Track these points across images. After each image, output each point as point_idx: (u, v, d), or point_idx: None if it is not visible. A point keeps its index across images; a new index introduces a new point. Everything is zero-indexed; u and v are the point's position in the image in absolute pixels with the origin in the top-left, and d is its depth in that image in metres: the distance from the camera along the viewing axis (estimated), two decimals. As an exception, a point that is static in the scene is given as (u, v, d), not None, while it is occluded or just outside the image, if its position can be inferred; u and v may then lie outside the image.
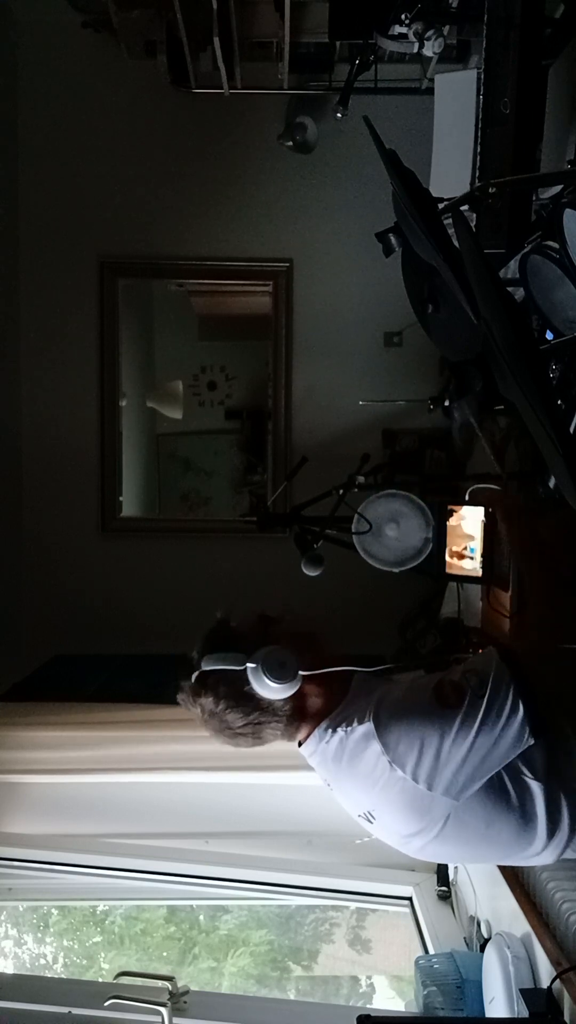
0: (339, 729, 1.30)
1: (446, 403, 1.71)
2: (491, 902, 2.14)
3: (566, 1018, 1.62)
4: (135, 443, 5.03)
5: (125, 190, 4.13)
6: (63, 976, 2.96)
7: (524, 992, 1.74)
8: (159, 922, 3.05)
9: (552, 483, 2.00)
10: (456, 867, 2.46)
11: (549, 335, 1.96)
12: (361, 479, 2.49)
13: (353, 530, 2.38)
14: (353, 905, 2.76)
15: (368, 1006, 2.73)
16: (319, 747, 1.32)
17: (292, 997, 2.88)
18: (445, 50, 3.13)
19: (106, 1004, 2.03)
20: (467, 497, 2.47)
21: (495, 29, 2.26)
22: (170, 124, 4.10)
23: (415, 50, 3.03)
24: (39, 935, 3.07)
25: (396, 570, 2.44)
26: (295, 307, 4.21)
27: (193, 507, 5.78)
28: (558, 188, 2.15)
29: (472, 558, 2.68)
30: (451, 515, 2.50)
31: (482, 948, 2.03)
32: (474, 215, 2.23)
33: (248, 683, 1.28)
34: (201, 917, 3.05)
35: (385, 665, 1.42)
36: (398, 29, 2.92)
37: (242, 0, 3.35)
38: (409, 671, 1.49)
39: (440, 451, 4.00)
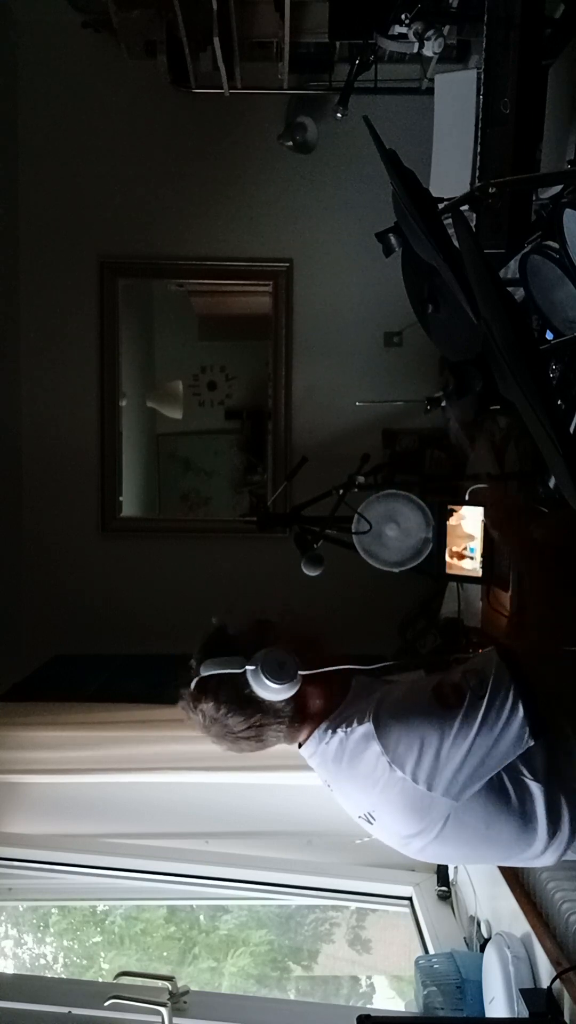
0: (339, 730, 1.30)
1: (443, 404, 1.71)
2: (491, 902, 2.14)
3: (566, 1018, 1.62)
4: (135, 443, 5.03)
5: (125, 190, 4.13)
6: (63, 976, 2.96)
7: (524, 992, 1.74)
8: (159, 922, 3.05)
9: (552, 483, 2.00)
10: (456, 867, 2.46)
11: (549, 335, 1.96)
12: (361, 479, 2.49)
13: (353, 530, 2.38)
14: (353, 905, 2.76)
15: (368, 1006, 2.73)
16: (319, 748, 1.32)
17: (292, 997, 2.88)
18: (445, 50, 3.13)
19: (106, 1004, 2.03)
20: (467, 497, 2.47)
21: (495, 29, 2.26)
22: (170, 124, 4.10)
23: (415, 50, 3.03)
24: (39, 935, 3.06)
25: (396, 570, 2.44)
26: (295, 307, 4.21)
27: (193, 507, 5.78)
28: (558, 188, 2.15)
29: (472, 558, 2.68)
30: (451, 515, 2.50)
31: (482, 948, 2.03)
32: (474, 215, 2.23)
33: (248, 686, 1.28)
34: (201, 917, 3.05)
35: (385, 663, 1.42)
36: (398, 29, 2.92)
37: (242, 0, 3.35)
38: (409, 671, 1.49)
39: (440, 451, 4.00)
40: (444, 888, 2.51)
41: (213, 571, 4.15)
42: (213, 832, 2.68)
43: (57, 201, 4.14)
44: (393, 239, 1.83)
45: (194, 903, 2.95)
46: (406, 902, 2.59)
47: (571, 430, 1.83)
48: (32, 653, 3.87)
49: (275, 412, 4.27)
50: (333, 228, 4.13)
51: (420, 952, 2.37)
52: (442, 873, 2.52)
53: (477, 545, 2.52)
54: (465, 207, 1.93)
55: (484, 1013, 1.93)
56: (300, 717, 1.33)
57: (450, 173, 2.93)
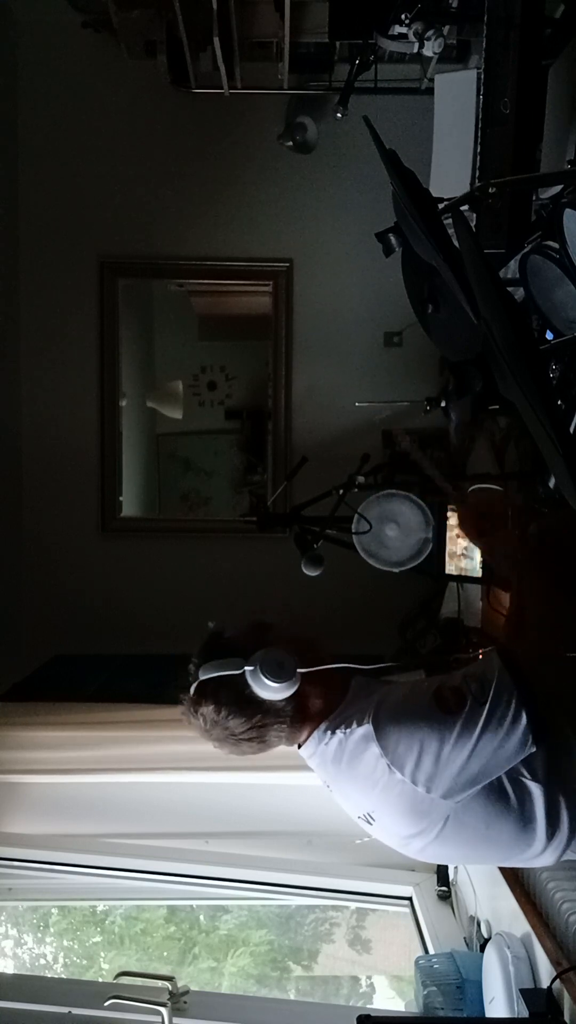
0: (338, 731, 1.30)
1: (442, 404, 1.71)
2: (491, 902, 2.14)
3: (566, 1018, 1.62)
4: (135, 443, 5.03)
5: (125, 190, 4.13)
6: (63, 976, 2.96)
7: (524, 992, 1.74)
8: (159, 922, 3.05)
9: (552, 483, 2.00)
10: (456, 867, 2.46)
11: (549, 335, 1.95)
12: (361, 479, 2.49)
13: (353, 530, 2.38)
14: (353, 905, 2.76)
15: (368, 1006, 2.73)
16: (318, 749, 1.32)
17: (292, 997, 2.88)
18: (445, 50, 3.13)
19: (106, 1004, 2.03)
20: (467, 497, 2.46)
21: (495, 29, 2.26)
22: (170, 124, 4.10)
23: (415, 50, 3.02)
24: (39, 935, 3.07)
25: (396, 570, 2.44)
26: (295, 307, 4.21)
27: (193, 507, 5.78)
28: (558, 188, 2.14)
29: (472, 558, 2.68)
30: (451, 515, 2.50)
31: (482, 948, 2.03)
32: (474, 215, 2.23)
33: (248, 687, 1.28)
34: (201, 917, 3.05)
35: (384, 664, 1.42)
36: (398, 29, 2.92)
37: (242, 0, 3.35)
38: (408, 671, 1.49)
39: (440, 451, 3.99)
40: (444, 888, 2.51)
41: (213, 571, 4.15)
42: (213, 832, 2.68)
43: (57, 201, 4.14)
44: (393, 239, 1.82)
45: (194, 903, 2.95)
46: (406, 902, 2.59)
47: (571, 430, 1.83)
48: (32, 653, 3.87)
49: (275, 412, 4.27)
50: (333, 228, 4.13)
51: (420, 952, 2.37)
52: (442, 873, 2.52)
53: (477, 545, 2.52)
54: (465, 207, 1.93)
55: (484, 1013, 1.93)
56: (300, 717, 1.33)
57: (450, 173, 2.93)
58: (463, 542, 2.81)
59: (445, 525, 2.50)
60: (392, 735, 1.23)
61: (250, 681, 1.27)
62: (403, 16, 2.87)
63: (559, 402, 1.88)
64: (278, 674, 1.27)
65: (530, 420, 1.35)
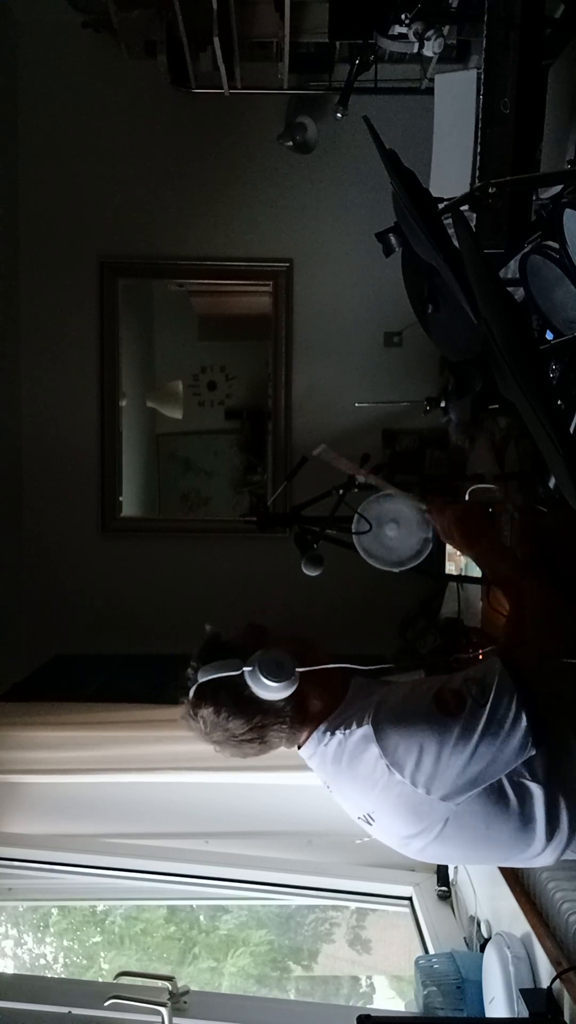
0: (337, 732, 1.30)
1: (442, 404, 1.71)
2: (491, 902, 2.14)
3: (566, 1018, 1.62)
4: (135, 443, 5.03)
5: (125, 190, 4.13)
6: (63, 976, 2.96)
7: (524, 992, 1.74)
8: (159, 922, 3.06)
9: (552, 483, 2.00)
10: (456, 867, 2.46)
11: (549, 335, 1.95)
12: (361, 479, 2.49)
13: (353, 530, 2.38)
14: (353, 905, 2.76)
15: (368, 1006, 2.73)
16: (318, 749, 1.32)
17: (292, 997, 2.88)
18: (445, 50, 3.13)
19: (106, 1004, 2.03)
20: (467, 497, 2.46)
21: (495, 29, 2.26)
22: (170, 124, 4.10)
23: (415, 50, 3.02)
24: (39, 935, 3.07)
25: (396, 570, 2.43)
26: (295, 307, 4.21)
27: (193, 507, 5.78)
28: (558, 188, 2.14)
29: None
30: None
31: (482, 948, 2.03)
32: (474, 215, 2.23)
33: (247, 688, 1.28)
34: (201, 917, 3.05)
35: (383, 664, 1.42)
36: (398, 29, 2.92)
37: (242, 0, 3.35)
38: (407, 671, 1.49)
39: (440, 451, 4.00)
40: (444, 888, 2.51)
41: (213, 571, 4.15)
42: (213, 832, 2.68)
43: (57, 201, 4.13)
44: (393, 239, 1.82)
45: (194, 903, 2.95)
46: (406, 902, 2.59)
47: (571, 430, 1.83)
48: (32, 653, 3.87)
49: (275, 412, 4.27)
50: (333, 228, 4.13)
51: (420, 952, 2.37)
52: (442, 873, 2.52)
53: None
54: (465, 207, 1.93)
55: (484, 1013, 1.93)
56: (300, 717, 1.33)
57: (450, 173, 2.93)
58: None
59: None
60: (392, 736, 1.23)
61: (249, 682, 1.27)
62: (403, 16, 2.87)
63: (559, 402, 1.88)
64: (277, 674, 1.27)
65: (530, 420, 1.35)
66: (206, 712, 1.29)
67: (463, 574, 2.91)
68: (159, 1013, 2.00)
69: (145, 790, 2.70)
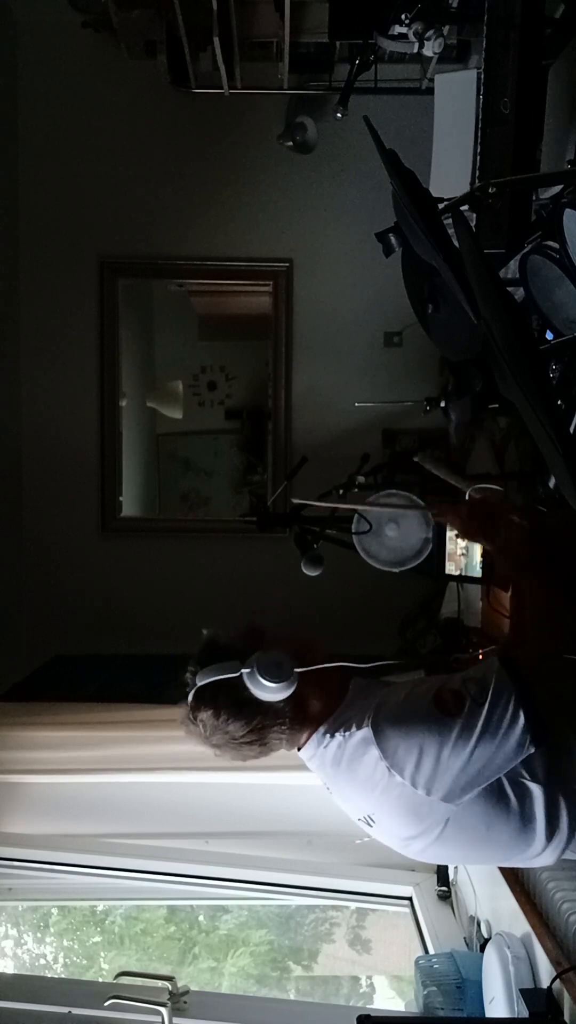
0: (337, 734, 1.29)
1: (442, 404, 1.71)
2: (491, 902, 2.14)
3: (566, 1018, 1.62)
4: (135, 443, 5.03)
5: (125, 190, 4.13)
6: (63, 976, 2.96)
7: (524, 992, 1.74)
8: (159, 922, 3.06)
9: (552, 483, 2.00)
10: (456, 867, 2.46)
11: (549, 335, 1.96)
12: (361, 479, 2.49)
13: (353, 530, 2.38)
14: (353, 905, 2.76)
15: (368, 1006, 2.73)
16: (318, 751, 1.32)
17: (292, 997, 2.88)
18: (445, 50, 3.12)
19: (106, 1004, 2.03)
20: (467, 497, 2.46)
21: (495, 29, 2.26)
22: (170, 124, 4.10)
23: (415, 50, 3.02)
24: (39, 935, 3.07)
25: (396, 570, 2.44)
26: (295, 307, 4.21)
27: (193, 507, 5.78)
28: (558, 188, 2.14)
29: (472, 558, 2.68)
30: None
31: (482, 948, 2.03)
32: (474, 215, 2.23)
33: (246, 690, 1.28)
34: (201, 917, 3.05)
35: (382, 662, 1.42)
36: (398, 29, 2.92)
37: (242, 0, 3.35)
38: (406, 670, 1.49)
39: (440, 451, 3.99)
40: (444, 888, 2.51)
41: (213, 571, 4.15)
42: (213, 832, 2.68)
43: (57, 201, 4.13)
44: (393, 239, 1.82)
45: (194, 903, 2.95)
46: (406, 902, 2.59)
47: (571, 430, 1.83)
48: (32, 653, 3.87)
49: (275, 412, 4.27)
50: (333, 228, 4.13)
51: (420, 952, 2.37)
52: (442, 873, 2.52)
53: (476, 545, 2.52)
54: (465, 207, 1.93)
55: (484, 1013, 1.93)
56: (300, 719, 1.33)
57: (450, 173, 2.93)
58: (463, 542, 2.81)
59: (445, 525, 2.50)
60: (392, 738, 1.23)
61: (248, 683, 1.27)
62: (403, 16, 2.87)
63: (559, 402, 1.88)
64: (275, 674, 1.26)
65: (530, 420, 1.35)
66: (205, 716, 1.29)
67: (463, 574, 2.91)
68: (159, 1013, 2.00)
69: (145, 790, 2.70)
